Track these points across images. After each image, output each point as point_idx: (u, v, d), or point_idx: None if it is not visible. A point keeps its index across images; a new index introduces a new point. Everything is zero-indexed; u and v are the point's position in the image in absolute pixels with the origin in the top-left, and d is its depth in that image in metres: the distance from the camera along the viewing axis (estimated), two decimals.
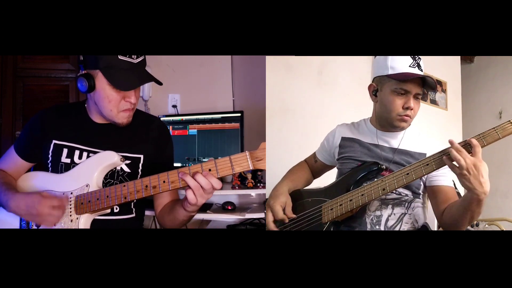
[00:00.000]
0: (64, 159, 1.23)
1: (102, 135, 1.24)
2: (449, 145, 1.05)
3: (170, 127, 2.26)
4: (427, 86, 1.22)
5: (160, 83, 1.20)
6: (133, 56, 1.14)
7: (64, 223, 1.13)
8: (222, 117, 2.13)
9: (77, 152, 1.23)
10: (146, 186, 1.05)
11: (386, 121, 1.26)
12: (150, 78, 1.19)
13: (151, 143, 1.28)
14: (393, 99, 1.21)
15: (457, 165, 1.00)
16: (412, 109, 1.21)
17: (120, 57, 1.12)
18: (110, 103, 1.17)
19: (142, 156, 1.26)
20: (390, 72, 1.21)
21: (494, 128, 1.03)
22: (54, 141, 1.24)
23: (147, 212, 1.38)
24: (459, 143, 1.03)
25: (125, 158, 1.21)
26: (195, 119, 2.20)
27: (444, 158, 1.03)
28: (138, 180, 1.07)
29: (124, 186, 1.08)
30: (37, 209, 1.10)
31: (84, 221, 1.13)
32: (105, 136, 1.24)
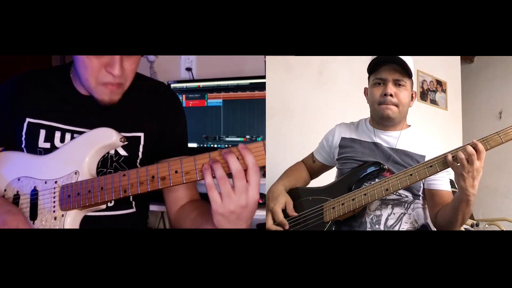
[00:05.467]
0: (42, 144, 0.98)
1: (90, 109, 0.99)
2: (449, 147, 1.07)
3: (183, 96, 1.81)
4: (402, 68, 1.21)
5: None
6: None
7: (46, 221, 0.91)
8: (250, 83, 1.70)
9: (57, 134, 0.98)
10: (153, 176, 0.80)
11: (375, 114, 1.28)
12: None
13: (155, 117, 1.04)
14: (372, 91, 1.26)
15: (459, 164, 1.02)
16: (393, 96, 1.21)
17: None
18: (87, 70, 0.91)
19: (142, 135, 1.02)
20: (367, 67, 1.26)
21: (497, 132, 1.04)
22: (28, 120, 0.99)
23: (152, 207, 1.17)
24: (462, 146, 1.04)
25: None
26: (215, 86, 1.73)
27: (447, 155, 1.04)
28: (142, 169, 0.81)
29: (124, 175, 0.82)
30: (4, 219, 0.88)
31: (71, 220, 0.89)
32: (94, 111, 0.99)
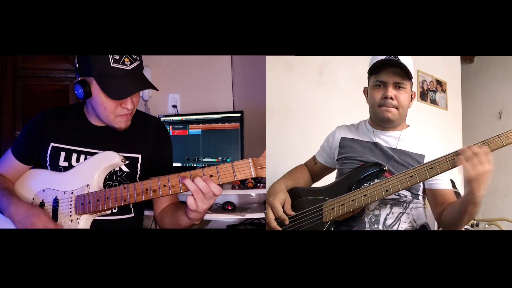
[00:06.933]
0: (62, 163, 1.22)
1: (100, 136, 1.24)
2: (448, 147, 1.06)
3: (170, 127, 2.26)
4: (402, 71, 1.21)
5: (155, 89, 1.17)
6: (126, 63, 1.11)
7: (64, 223, 1.13)
8: (222, 117, 2.13)
9: (74, 155, 1.22)
10: (146, 189, 1.05)
11: (375, 116, 1.28)
12: (144, 85, 1.16)
13: (149, 143, 1.28)
14: (373, 93, 1.26)
15: (471, 167, 1.01)
16: (393, 99, 1.22)
17: (112, 64, 1.09)
18: (106, 110, 1.16)
19: (140, 156, 1.25)
20: (368, 69, 1.27)
21: (498, 135, 1.04)
22: (52, 144, 1.24)
23: (146, 212, 1.38)
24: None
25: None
26: (195, 119, 2.21)
27: (459, 158, 1.03)
28: (138, 183, 1.06)
29: (124, 188, 1.07)
30: (31, 221, 1.10)
31: (84, 222, 1.13)
32: (103, 138, 1.23)
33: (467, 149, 1.02)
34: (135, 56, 1.14)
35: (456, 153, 1.05)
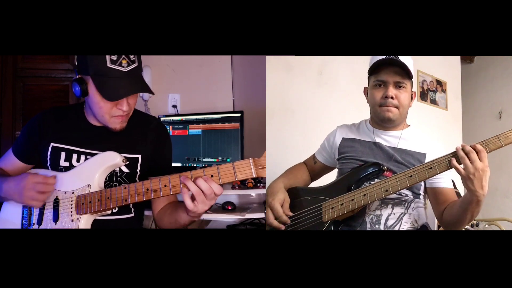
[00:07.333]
0: (63, 163, 1.23)
1: (100, 136, 1.24)
2: (449, 147, 1.06)
3: (170, 127, 2.26)
4: (402, 70, 1.22)
5: (151, 93, 1.18)
6: (123, 64, 1.10)
7: (65, 223, 1.13)
8: (222, 117, 2.13)
9: (74, 156, 1.22)
10: (147, 189, 1.05)
11: (375, 116, 1.28)
12: (140, 88, 1.15)
13: (149, 143, 1.28)
14: (373, 92, 1.26)
15: (463, 168, 1.02)
16: (393, 98, 1.22)
17: (109, 64, 1.08)
18: (102, 110, 1.16)
19: (140, 157, 1.26)
20: (368, 68, 1.27)
21: (497, 136, 1.04)
22: (52, 144, 1.24)
23: (146, 212, 1.38)
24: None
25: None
26: (195, 119, 2.21)
27: (451, 159, 1.04)
28: (139, 183, 1.07)
29: (125, 188, 1.08)
30: (25, 183, 1.12)
31: (84, 222, 1.13)
32: (103, 138, 1.23)
33: (459, 150, 1.03)
34: (133, 58, 1.13)
35: (455, 154, 1.05)
